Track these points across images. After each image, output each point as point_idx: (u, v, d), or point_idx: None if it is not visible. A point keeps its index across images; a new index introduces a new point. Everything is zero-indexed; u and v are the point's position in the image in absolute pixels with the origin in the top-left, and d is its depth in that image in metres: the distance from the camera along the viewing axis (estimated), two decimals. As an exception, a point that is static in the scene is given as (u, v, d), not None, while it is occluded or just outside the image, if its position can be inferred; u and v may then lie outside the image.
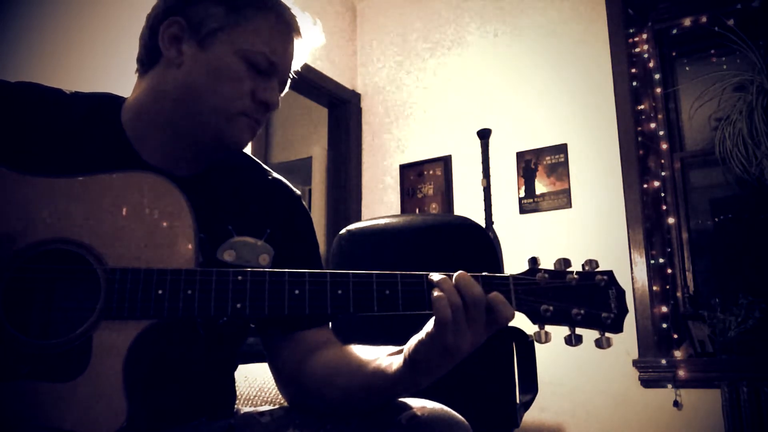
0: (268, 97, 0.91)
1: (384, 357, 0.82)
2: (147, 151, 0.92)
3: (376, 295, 0.78)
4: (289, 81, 0.98)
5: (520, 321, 0.89)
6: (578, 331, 0.80)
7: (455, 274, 0.77)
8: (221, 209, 0.95)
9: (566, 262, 0.82)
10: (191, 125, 0.90)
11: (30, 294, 0.76)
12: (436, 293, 0.75)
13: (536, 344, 1.76)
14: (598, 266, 0.83)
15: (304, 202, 1.07)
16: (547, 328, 0.80)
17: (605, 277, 0.82)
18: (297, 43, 0.96)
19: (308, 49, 0.99)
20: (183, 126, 0.90)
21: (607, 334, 0.80)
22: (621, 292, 0.82)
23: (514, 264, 2.62)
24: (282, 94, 0.97)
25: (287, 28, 0.94)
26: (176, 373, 0.88)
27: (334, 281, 0.79)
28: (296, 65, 0.98)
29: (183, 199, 0.81)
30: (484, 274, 0.80)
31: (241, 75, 0.89)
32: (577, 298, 0.80)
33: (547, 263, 0.83)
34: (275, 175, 1.06)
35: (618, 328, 0.80)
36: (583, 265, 0.82)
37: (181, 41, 0.89)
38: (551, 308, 0.79)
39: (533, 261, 0.82)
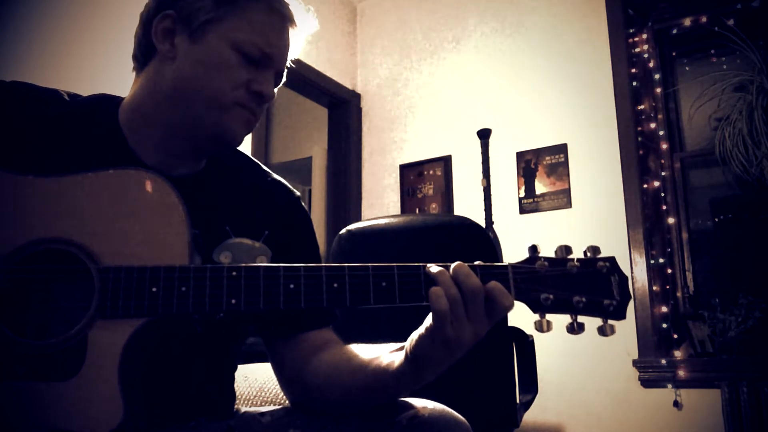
0: (263, 88, 0.90)
1: (385, 355, 0.82)
2: (144, 150, 0.91)
3: (373, 288, 0.77)
4: (285, 72, 0.97)
5: (521, 314, 0.88)
6: (580, 319, 0.78)
7: (452, 265, 0.77)
8: (219, 209, 0.94)
9: (567, 250, 0.80)
10: (186, 120, 0.89)
11: (25, 294, 0.76)
12: (432, 287, 0.74)
13: (536, 342, 1.76)
14: (599, 253, 0.80)
15: (303, 204, 1.06)
16: (549, 317, 0.78)
17: (607, 264, 0.80)
18: (292, 32, 0.95)
19: (303, 37, 0.98)
20: (179, 122, 0.89)
21: (610, 321, 0.78)
22: (623, 278, 0.80)
23: (513, 264, 2.61)
24: (279, 86, 0.96)
25: (280, 17, 0.92)
26: (174, 371, 0.88)
27: (329, 275, 0.77)
28: (292, 55, 0.97)
29: (175, 195, 0.80)
30: (481, 263, 0.78)
31: (235, 66, 0.88)
32: (579, 285, 0.78)
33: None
34: (274, 176, 1.05)
35: (621, 315, 0.78)
36: (584, 252, 0.80)
37: (173, 34, 0.89)
38: (552, 296, 0.78)
39: (533, 249, 0.80)
